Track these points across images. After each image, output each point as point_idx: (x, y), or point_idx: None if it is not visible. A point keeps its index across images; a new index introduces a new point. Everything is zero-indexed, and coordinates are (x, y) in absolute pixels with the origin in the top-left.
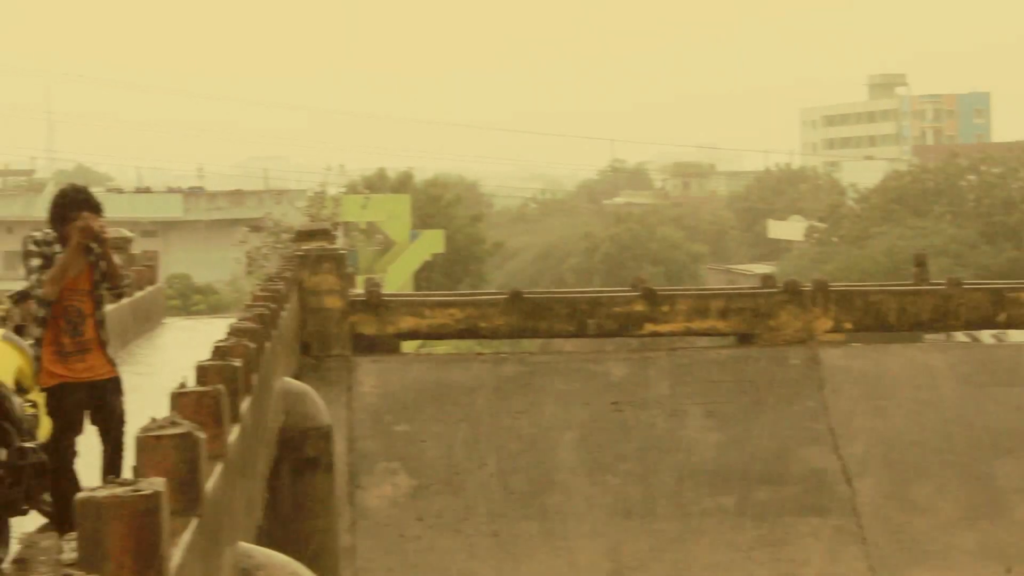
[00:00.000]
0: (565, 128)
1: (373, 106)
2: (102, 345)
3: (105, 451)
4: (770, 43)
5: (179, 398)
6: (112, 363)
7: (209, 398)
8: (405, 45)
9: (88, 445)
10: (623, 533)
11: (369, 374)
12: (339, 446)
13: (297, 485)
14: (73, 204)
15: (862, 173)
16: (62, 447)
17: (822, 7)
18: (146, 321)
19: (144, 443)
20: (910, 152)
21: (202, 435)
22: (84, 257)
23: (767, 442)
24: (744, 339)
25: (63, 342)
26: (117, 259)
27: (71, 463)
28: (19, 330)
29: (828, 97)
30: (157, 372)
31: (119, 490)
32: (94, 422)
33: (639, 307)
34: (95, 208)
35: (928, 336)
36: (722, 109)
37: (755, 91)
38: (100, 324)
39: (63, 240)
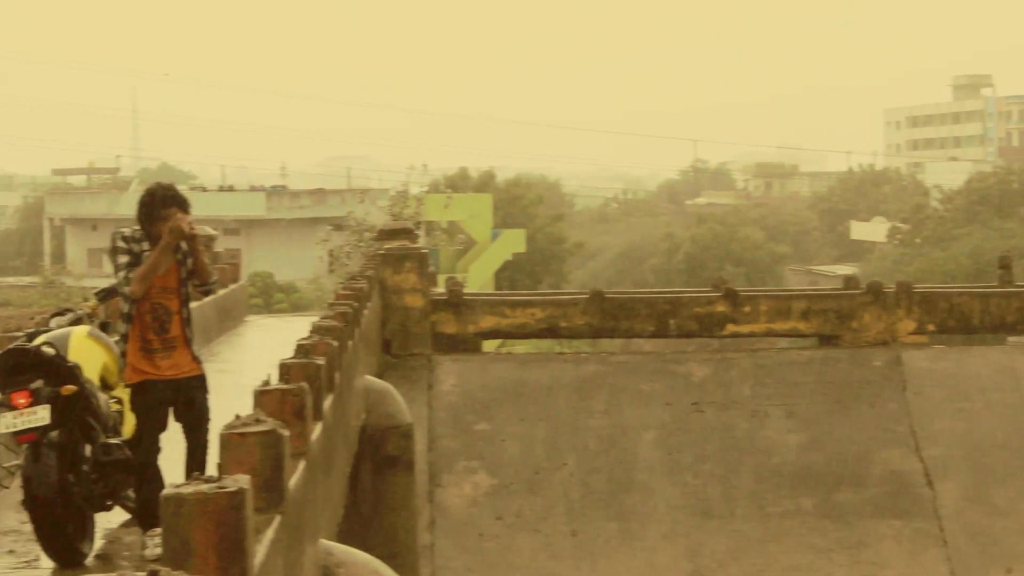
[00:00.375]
0: (647, 128)
1: (456, 106)
2: (188, 342)
3: (189, 448)
4: (852, 41)
5: (263, 395)
6: (197, 360)
7: (293, 396)
8: (489, 45)
9: (171, 442)
10: (702, 534)
11: (450, 373)
12: (419, 445)
13: (377, 483)
14: (162, 201)
15: (946, 174)
16: (146, 444)
17: (904, 2)
18: (229, 319)
19: (228, 440)
20: (995, 153)
21: (286, 432)
22: (172, 255)
23: (848, 444)
24: (826, 340)
25: (149, 339)
26: (205, 256)
27: (155, 460)
28: (104, 327)
29: (911, 95)
30: (240, 369)
31: (204, 487)
32: (178, 419)
33: (721, 308)
34: (183, 205)
35: (1012, 338)
36: (804, 108)
37: (837, 89)
38: (186, 321)
39: (151, 238)
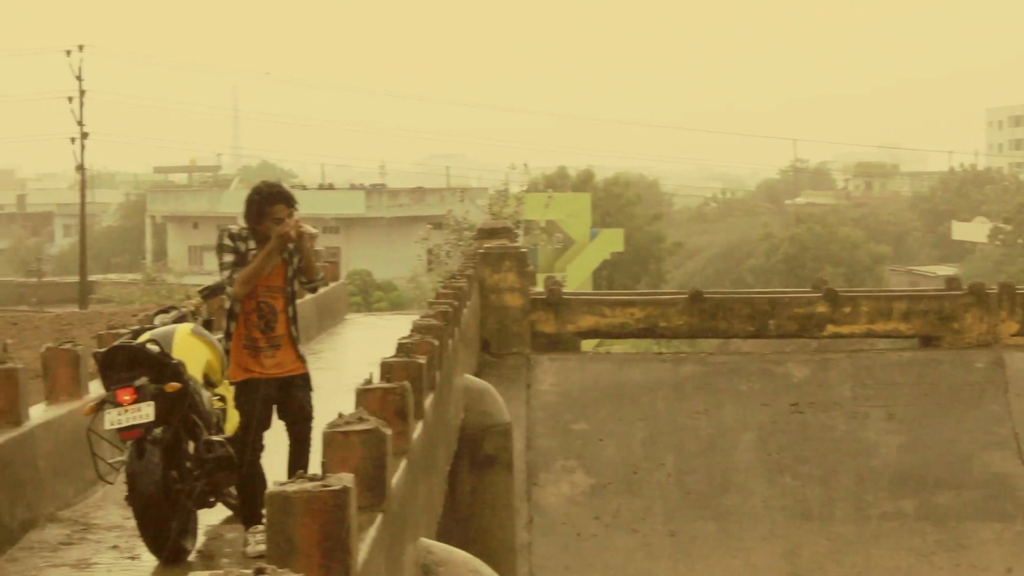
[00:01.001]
0: (746, 127)
1: (554, 105)
2: (293, 341)
3: (292, 446)
4: (945, 30)
5: (365, 394)
6: (302, 359)
7: (395, 395)
8: (588, 45)
9: (274, 440)
10: (801, 535)
11: (548, 372)
12: (517, 443)
13: (476, 482)
14: (268, 199)
15: None
16: (249, 441)
17: None
18: (329, 317)
19: (332, 438)
20: None
21: (388, 431)
22: (278, 255)
23: (949, 446)
24: (927, 342)
25: (255, 337)
26: (313, 254)
27: (257, 457)
28: (208, 324)
29: (1010, 84)
30: (340, 367)
31: (309, 485)
32: (282, 417)
33: (821, 308)
34: (290, 202)
35: None
36: (902, 100)
37: (933, 80)
38: (292, 320)
39: (258, 236)
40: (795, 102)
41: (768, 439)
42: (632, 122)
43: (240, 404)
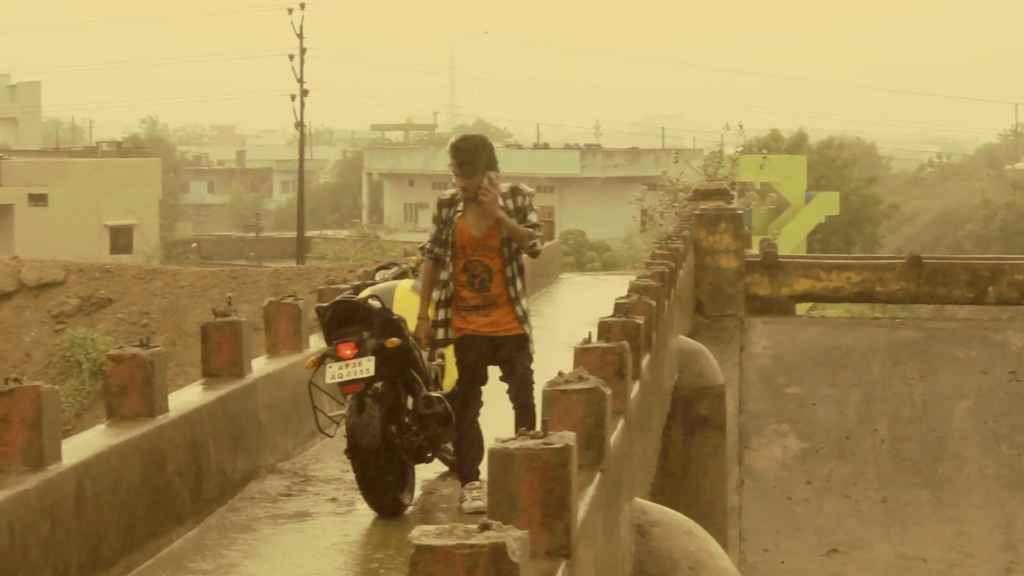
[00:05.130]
0: (967, 89)
1: (769, 65)
2: (512, 301)
3: (516, 413)
4: None
5: (584, 353)
6: (521, 320)
7: (613, 354)
8: (798, 4)
9: (493, 397)
10: (1016, 506)
11: (762, 335)
12: (730, 406)
13: (688, 443)
14: (450, 151)
15: None
16: (466, 398)
17: None
18: (544, 276)
19: (551, 397)
20: None
21: (607, 391)
22: (493, 213)
23: None
24: None
25: (464, 296)
26: (510, 220)
27: (475, 414)
28: None
29: None
30: (554, 326)
31: (530, 443)
32: (504, 380)
33: None
34: (458, 156)
35: None
36: None
37: None
38: (511, 280)
39: (466, 196)
40: (1011, 54)
41: (984, 407)
42: (848, 84)
43: (456, 361)
